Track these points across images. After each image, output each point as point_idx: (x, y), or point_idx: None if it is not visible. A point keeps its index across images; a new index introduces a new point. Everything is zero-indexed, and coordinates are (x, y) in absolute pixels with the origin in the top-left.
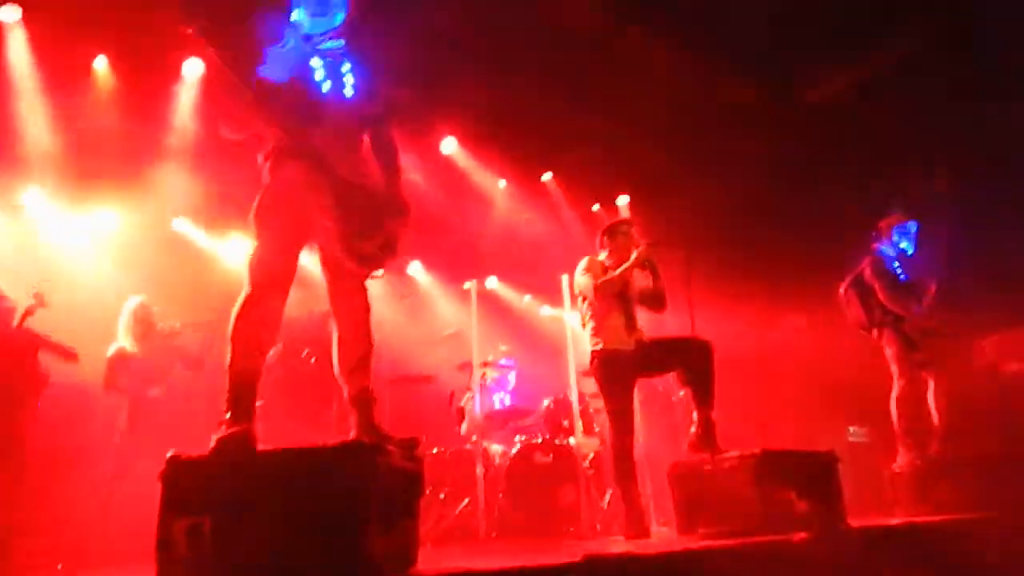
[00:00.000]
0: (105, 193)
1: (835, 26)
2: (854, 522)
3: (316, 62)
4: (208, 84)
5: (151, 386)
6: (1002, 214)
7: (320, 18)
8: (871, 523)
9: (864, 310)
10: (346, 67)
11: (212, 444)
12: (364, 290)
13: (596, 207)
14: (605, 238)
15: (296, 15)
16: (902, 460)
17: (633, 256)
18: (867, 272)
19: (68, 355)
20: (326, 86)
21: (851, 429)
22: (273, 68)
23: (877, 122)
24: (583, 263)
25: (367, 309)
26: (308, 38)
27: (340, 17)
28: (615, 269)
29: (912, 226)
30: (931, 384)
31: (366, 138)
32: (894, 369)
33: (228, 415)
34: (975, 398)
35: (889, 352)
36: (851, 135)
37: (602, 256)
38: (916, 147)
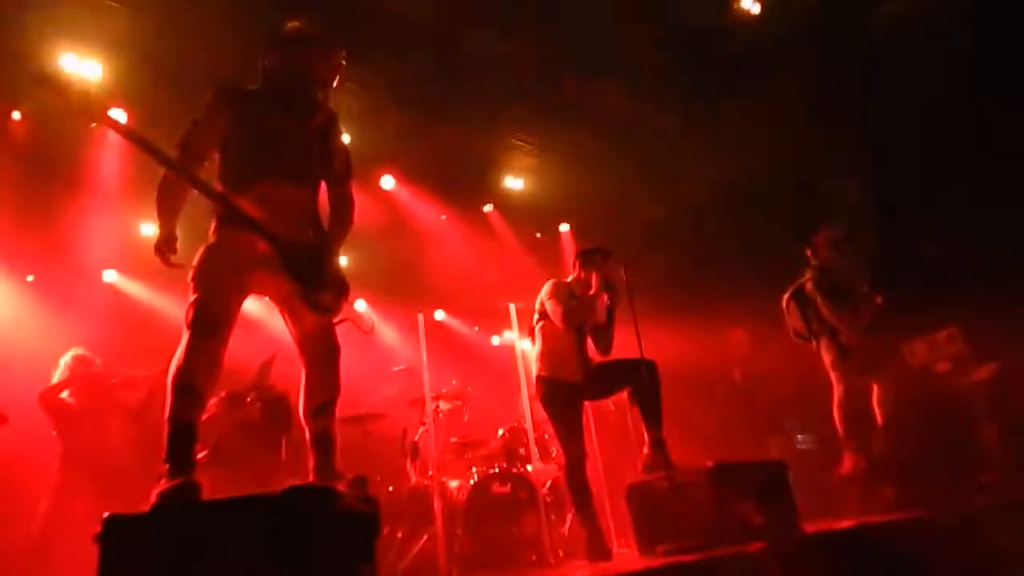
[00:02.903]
0: (26, 250)
1: None
2: (808, 527)
3: (263, 127)
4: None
5: (84, 434)
6: (922, 219)
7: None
8: (823, 527)
9: (803, 320)
10: (295, 131)
11: (153, 499)
12: (330, 330)
13: (538, 235)
14: (578, 262)
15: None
16: (848, 464)
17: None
18: (808, 284)
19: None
20: (268, 154)
21: (799, 437)
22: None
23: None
24: (548, 286)
25: (335, 350)
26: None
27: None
28: (579, 292)
29: (842, 238)
30: (875, 389)
31: (313, 192)
32: (832, 377)
33: (168, 467)
34: (912, 400)
35: (826, 361)
36: (779, 150)
37: (569, 278)
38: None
